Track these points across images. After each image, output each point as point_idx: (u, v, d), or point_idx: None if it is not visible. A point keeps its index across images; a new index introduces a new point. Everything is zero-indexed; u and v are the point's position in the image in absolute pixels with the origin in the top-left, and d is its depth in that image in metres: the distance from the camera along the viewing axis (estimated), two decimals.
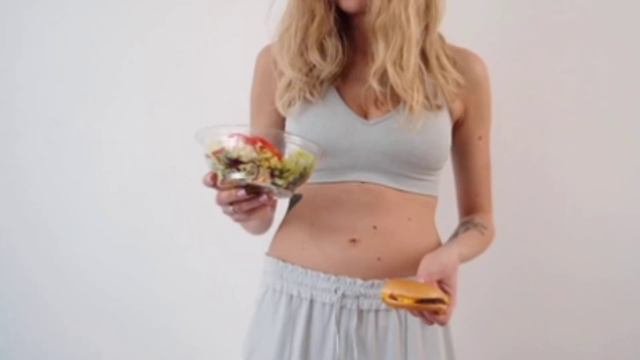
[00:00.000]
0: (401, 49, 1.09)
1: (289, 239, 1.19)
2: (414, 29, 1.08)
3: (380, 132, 1.12)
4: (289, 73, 1.14)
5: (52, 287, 1.82)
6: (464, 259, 1.12)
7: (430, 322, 1.02)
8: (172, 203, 1.71)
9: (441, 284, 1.02)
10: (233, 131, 0.96)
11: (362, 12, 1.11)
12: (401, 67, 1.09)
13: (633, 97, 1.46)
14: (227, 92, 1.56)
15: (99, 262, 1.78)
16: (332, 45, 1.13)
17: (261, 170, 0.95)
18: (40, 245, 1.82)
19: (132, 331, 1.78)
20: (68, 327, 1.83)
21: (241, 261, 1.55)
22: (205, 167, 1.00)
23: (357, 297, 1.12)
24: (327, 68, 1.13)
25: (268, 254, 1.23)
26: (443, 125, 1.15)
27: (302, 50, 1.13)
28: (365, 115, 1.14)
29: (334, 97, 1.15)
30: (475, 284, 1.52)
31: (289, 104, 1.16)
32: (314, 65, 1.13)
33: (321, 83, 1.14)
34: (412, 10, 1.08)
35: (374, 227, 1.13)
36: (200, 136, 0.98)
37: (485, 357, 1.55)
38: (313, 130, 1.13)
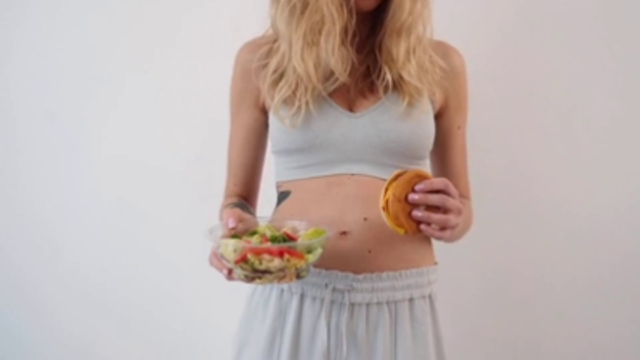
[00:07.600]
0: (415, 48, 1.13)
1: None
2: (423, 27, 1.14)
3: (366, 123, 1.14)
4: (314, 83, 1.11)
5: (48, 282, 1.81)
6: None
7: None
8: (167, 196, 1.71)
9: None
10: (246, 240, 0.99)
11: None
12: (419, 65, 1.14)
13: (619, 97, 1.49)
14: (219, 92, 1.56)
15: (95, 256, 1.78)
16: (349, 53, 1.13)
17: (288, 273, 0.97)
18: (36, 240, 1.81)
19: (126, 325, 1.78)
20: (63, 321, 1.82)
21: None
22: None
23: (348, 291, 1.12)
24: (341, 78, 1.12)
25: None
26: (426, 114, 1.17)
27: (331, 59, 1.10)
28: (351, 108, 1.16)
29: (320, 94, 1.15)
30: (464, 281, 1.53)
31: (292, 115, 1.13)
32: (330, 75, 1.12)
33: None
34: (426, 10, 1.13)
35: (365, 219, 1.12)
36: (214, 242, 1.00)
37: (474, 352, 1.55)
38: (299, 128, 1.13)
